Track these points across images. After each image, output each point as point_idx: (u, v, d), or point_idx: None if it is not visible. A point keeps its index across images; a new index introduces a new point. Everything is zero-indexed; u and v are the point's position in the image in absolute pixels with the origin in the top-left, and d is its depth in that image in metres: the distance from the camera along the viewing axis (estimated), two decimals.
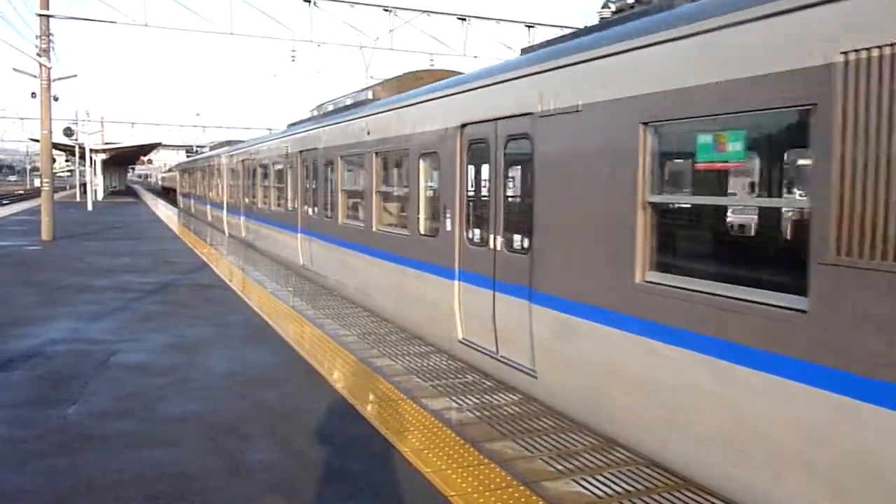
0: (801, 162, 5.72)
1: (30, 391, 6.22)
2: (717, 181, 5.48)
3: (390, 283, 9.46)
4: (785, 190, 6.12)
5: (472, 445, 5.06)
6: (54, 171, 26.37)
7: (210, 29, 21.34)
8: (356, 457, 4.84)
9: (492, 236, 6.91)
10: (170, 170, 78.93)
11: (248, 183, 19.96)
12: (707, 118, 4.44)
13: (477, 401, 6.14)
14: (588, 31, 5.98)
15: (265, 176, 17.82)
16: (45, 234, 20.49)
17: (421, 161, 8.56)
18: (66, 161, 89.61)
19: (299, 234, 14.11)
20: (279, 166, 16.17)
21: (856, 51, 3.46)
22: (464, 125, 7.40)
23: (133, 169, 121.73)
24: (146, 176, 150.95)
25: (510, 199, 7.02)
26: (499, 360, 6.79)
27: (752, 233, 7.14)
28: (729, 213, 6.91)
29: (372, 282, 10.17)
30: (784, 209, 6.36)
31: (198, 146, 65.62)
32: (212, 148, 33.20)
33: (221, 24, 21.24)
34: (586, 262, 5.46)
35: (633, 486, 4.44)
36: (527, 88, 6.22)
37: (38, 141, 25.99)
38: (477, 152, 7.37)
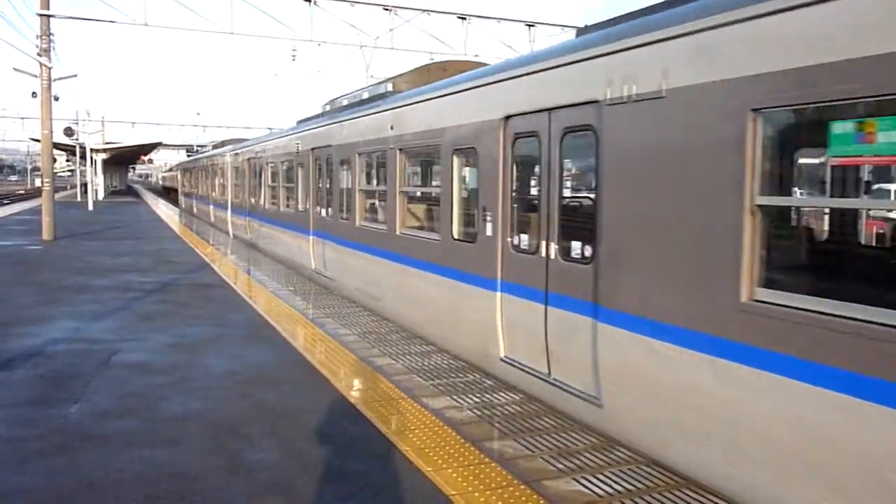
0: None
1: (31, 390, 6.22)
2: (852, 179, 4.66)
3: (415, 292, 8.79)
4: None
5: (472, 444, 5.06)
6: (55, 170, 26.35)
7: (210, 28, 21.34)
8: (357, 456, 4.84)
9: (543, 243, 6.14)
10: (170, 169, 78.90)
11: (254, 182, 19.26)
12: (850, 102, 3.56)
13: (477, 400, 6.13)
14: (667, 4, 5.03)
15: (273, 175, 17.11)
16: (46, 233, 20.50)
17: (455, 157, 7.78)
18: (67, 161, 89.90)
19: (311, 237, 13.47)
20: (289, 165, 15.47)
21: None
22: (508, 117, 6.64)
23: (134, 168, 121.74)
24: (147, 175, 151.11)
25: (567, 202, 6.15)
26: (551, 384, 6.04)
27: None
28: (865, 219, 5.81)
29: (394, 290, 9.49)
30: None
31: (198, 146, 65.70)
32: (215, 146, 32.68)
33: (222, 23, 21.30)
34: (674, 275, 4.62)
35: (634, 485, 4.43)
36: (590, 73, 5.43)
37: (38, 141, 26.04)
38: (524, 147, 6.58)
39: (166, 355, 7.51)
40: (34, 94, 23.96)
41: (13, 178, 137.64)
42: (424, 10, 22.34)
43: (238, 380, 6.63)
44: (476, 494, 4.26)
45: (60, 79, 22.57)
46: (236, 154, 22.31)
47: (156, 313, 9.78)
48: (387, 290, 9.73)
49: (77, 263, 15.26)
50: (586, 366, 5.51)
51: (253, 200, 19.42)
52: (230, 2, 20.85)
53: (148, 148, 66.81)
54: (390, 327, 9.02)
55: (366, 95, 11.57)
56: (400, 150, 9.24)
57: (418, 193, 9.64)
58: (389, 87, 10.71)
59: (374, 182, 10.94)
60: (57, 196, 30.08)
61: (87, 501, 4.13)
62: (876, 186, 4.77)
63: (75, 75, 24.52)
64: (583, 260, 5.66)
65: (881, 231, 6.33)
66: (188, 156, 58.20)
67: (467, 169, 7.82)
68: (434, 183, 8.64)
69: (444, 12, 22.81)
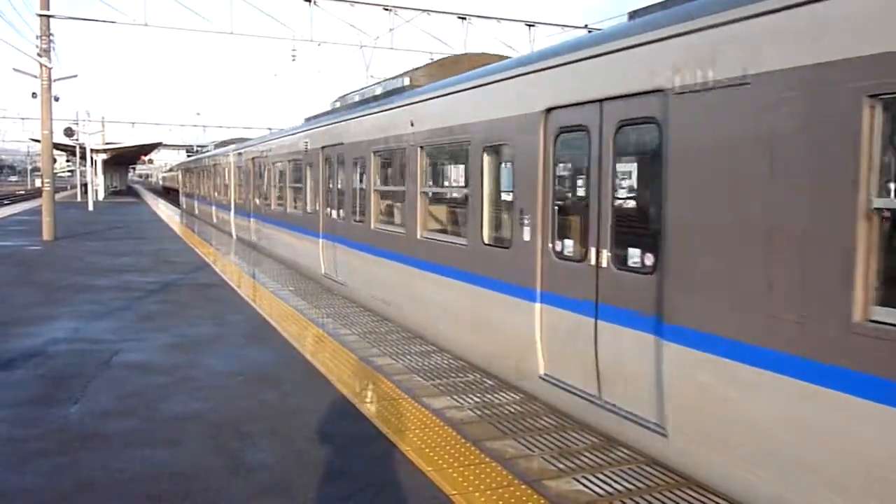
0: None
1: (31, 390, 6.23)
2: None
3: (437, 300, 8.19)
4: None
5: (473, 444, 5.07)
6: (55, 171, 26.38)
7: (210, 29, 21.33)
8: (357, 456, 4.84)
9: (593, 249, 5.50)
10: (171, 169, 78.86)
11: (259, 182, 18.66)
12: None
13: (478, 400, 6.14)
14: None
15: (280, 175, 16.42)
16: (46, 234, 20.51)
17: (485, 155, 7.11)
18: (67, 161, 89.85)
19: (321, 240, 12.85)
20: (296, 164, 14.76)
21: None
22: (550, 109, 6.02)
23: (134, 169, 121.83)
24: (147, 176, 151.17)
25: (622, 204, 5.54)
26: (601, 407, 5.42)
27: None
28: None
29: (413, 298, 8.91)
30: None
31: (198, 146, 65.70)
32: (217, 146, 32.28)
33: (221, 23, 21.23)
34: (764, 290, 4.00)
35: (634, 485, 4.44)
36: (653, 58, 4.81)
37: (38, 141, 26.04)
38: (569, 142, 5.96)
39: (167, 355, 7.52)
40: (34, 95, 23.95)
41: (13, 178, 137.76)
42: (424, 10, 22.34)
43: (239, 379, 6.64)
44: (476, 494, 4.26)
45: (60, 79, 22.60)
46: (240, 153, 21.79)
47: (156, 313, 9.79)
48: (404, 298, 9.21)
49: (77, 263, 15.27)
50: (647, 389, 4.89)
51: (257, 201, 18.89)
52: (230, 2, 20.85)
53: (148, 148, 66.84)
54: (390, 327, 9.03)
55: (379, 91, 11.00)
56: (421, 147, 8.59)
57: (444, 195, 9.01)
58: (406, 81, 10.09)
59: (392, 182, 10.27)
60: (57, 196, 30.08)
61: (87, 501, 4.14)
62: None
63: (75, 75, 24.57)
64: (643, 269, 5.05)
65: None
66: (188, 156, 58.18)
67: (500, 167, 7.18)
68: (460, 183, 8.09)
69: (444, 12, 22.82)
